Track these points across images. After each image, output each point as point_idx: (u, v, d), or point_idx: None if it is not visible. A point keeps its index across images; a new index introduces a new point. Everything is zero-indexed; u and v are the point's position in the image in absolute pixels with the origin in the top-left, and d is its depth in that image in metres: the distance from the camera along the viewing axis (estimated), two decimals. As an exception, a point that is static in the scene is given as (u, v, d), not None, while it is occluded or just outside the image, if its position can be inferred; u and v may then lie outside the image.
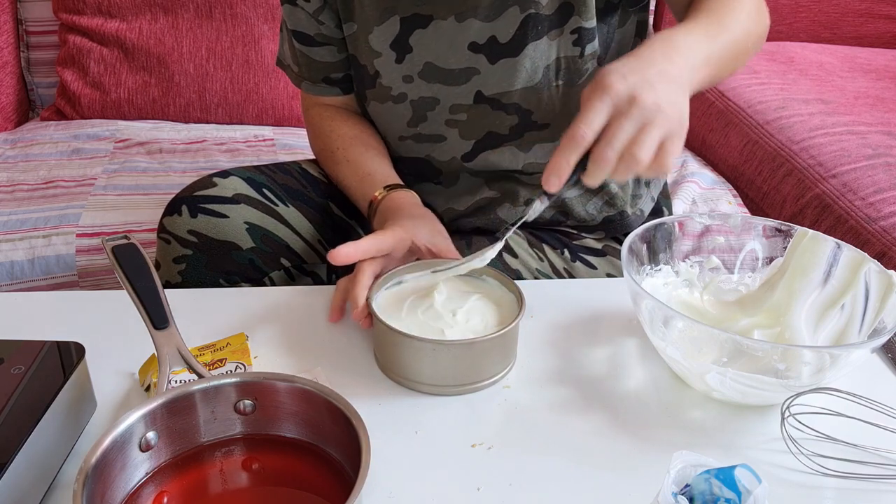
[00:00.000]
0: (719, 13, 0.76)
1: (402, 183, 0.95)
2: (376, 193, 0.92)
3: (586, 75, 0.91)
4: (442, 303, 0.75)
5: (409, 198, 0.92)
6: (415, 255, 0.84)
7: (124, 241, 0.68)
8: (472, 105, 0.93)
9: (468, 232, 1.01)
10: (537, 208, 0.71)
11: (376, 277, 0.77)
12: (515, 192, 0.99)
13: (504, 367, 0.74)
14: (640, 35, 0.97)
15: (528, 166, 0.97)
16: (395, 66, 0.93)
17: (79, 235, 1.26)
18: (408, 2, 0.90)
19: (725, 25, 0.76)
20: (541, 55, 0.89)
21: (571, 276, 0.99)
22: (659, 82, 0.65)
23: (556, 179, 0.65)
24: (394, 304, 0.76)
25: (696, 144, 1.84)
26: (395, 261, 0.82)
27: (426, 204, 0.99)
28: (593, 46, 0.90)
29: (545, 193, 0.69)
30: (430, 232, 0.84)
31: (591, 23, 0.88)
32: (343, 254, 0.76)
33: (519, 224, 0.76)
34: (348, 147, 0.99)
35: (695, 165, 1.64)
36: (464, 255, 0.88)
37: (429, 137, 0.97)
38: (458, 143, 0.96)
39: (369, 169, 0.96)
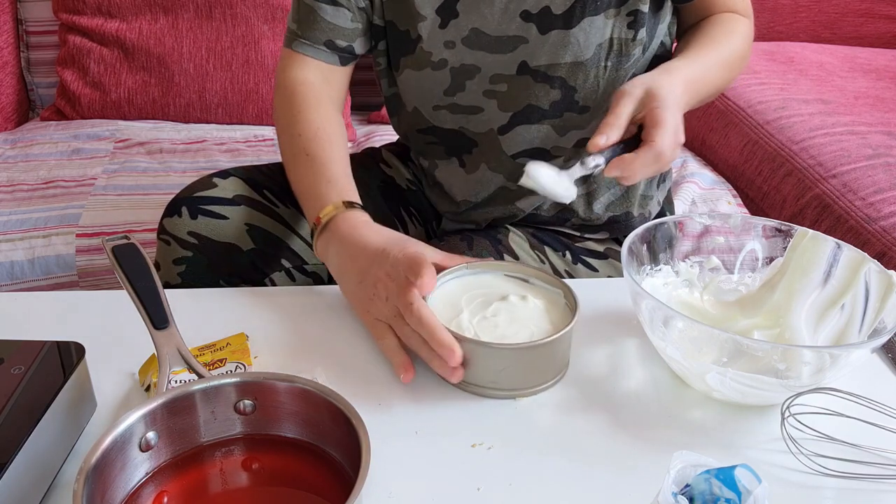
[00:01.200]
0: (721, 61, 0.90)
1: (357, 201, 0.86)
2: (330, 208, 0.84)
3: (632, 60, 0.90)
4: (495, 308, 0.74)
5: (366, 217, 0.84)
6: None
7: (124, 241, 0.68)
8: (515, 76, 0.91)
9: (473, 231, 1.00)
10: (590, 163, 0.79)
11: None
12: None
13: (554, 376, 0.73)
14: (670, 35, 0.97)
15: (557, 150, 0.96)
16: (439, 31, 0.91)
17: (79, 235, 1.27)
18: None
19: (722, 76, 0.91)
20: (595, 31, 0.88)
21: (572, 278, 0.99)
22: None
23: (602, 139, 0.76)
24: (457, 294, 0.76)
25: (696, 144, 1.84)
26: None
27: (446, 191, 1.01)
28: (643, 33, 0.89)
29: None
30: (427, 247, 0.80)
31: (646, 7, 0.88)
32: (428, 287, 0.72)
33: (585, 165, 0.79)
34: (311, 138, 0.91)
35: (695, 165, 1.64)
36: (464, 255, 0.88)
37: (464, 108, 0.95)
38: (496, 115, 0.94)
39: (329, 175, 0.88)
